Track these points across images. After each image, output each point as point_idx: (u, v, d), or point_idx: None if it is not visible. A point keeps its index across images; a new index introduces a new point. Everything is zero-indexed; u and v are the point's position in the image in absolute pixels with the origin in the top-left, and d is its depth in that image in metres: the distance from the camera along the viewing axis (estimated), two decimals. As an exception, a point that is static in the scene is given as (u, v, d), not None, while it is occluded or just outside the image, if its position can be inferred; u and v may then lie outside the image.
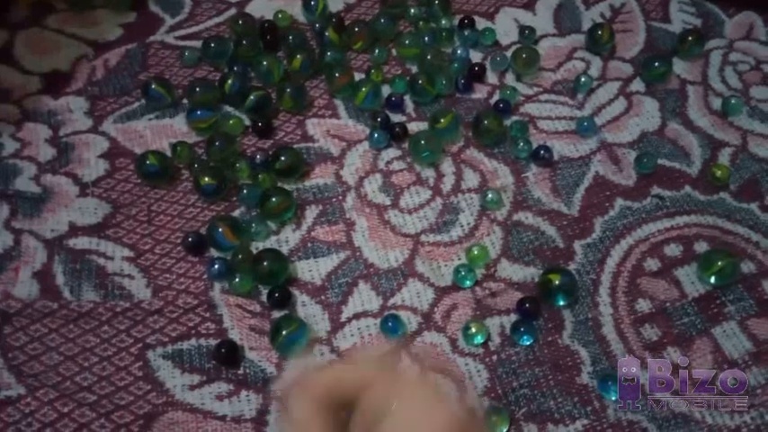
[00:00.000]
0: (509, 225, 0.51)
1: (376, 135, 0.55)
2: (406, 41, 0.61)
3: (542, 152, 0.54)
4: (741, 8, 0.66)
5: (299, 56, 0.59)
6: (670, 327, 0.46)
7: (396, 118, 0.58)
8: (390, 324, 0.45)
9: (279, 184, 0.53)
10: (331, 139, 0.56)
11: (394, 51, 0.62)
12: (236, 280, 0.47)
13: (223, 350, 0.44)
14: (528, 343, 0.45)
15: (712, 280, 0.47)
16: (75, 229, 0.51)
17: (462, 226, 0.51)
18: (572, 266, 0.49)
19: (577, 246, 0.50)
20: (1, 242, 0.50)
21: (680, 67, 0.61)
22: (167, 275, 0.48)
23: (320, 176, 0.54)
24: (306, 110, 0.58)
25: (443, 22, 0.64)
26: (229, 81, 0.57)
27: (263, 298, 0.47)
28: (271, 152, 0.54)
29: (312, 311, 0.47)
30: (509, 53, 0.61)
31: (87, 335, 0.45)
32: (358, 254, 0.50)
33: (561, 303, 0.46)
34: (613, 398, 0.43)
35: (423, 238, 0.51)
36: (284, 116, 0.58)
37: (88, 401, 0.42)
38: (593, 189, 0.53)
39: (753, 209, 0.52)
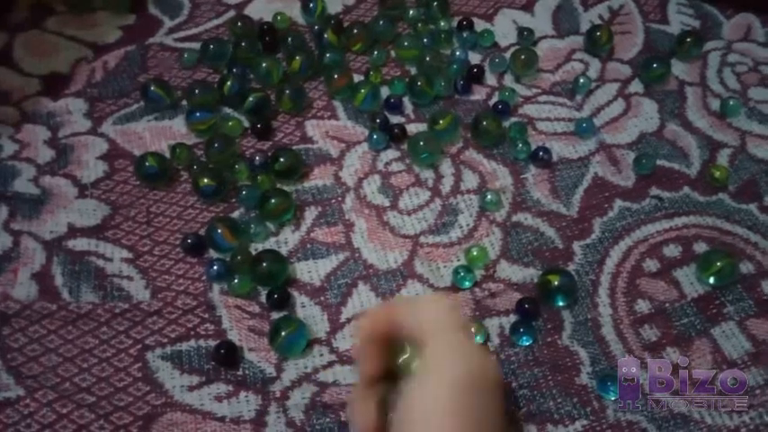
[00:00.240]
0: (508, 226, 0.51)
1: (375, 136, 0.55)
2: (405, 43, 0.61)
3: (541, 153, 0.54)
4: (739, 9, 0.66)
5: (297, 57, 0.59)
6: (669, 327, 0.46)
7: (395, 119, 0.58)
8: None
9: (278, 186, 0.53)
10: (330, 140, 0.56)
11: (393, 53, 0.63)
12: (235, 281, 0.47)
13: (222, 351, 0.44)
14: (527, 343, 0.45)
15: (711, 280, 0.47)
16: (74, 231, 0.51)
17: (461, 227, 0.51)
18: (571, 267, 0.49)
19: (576, 246, 0.50)
20: (0, 243, 0.50)
21: (678, 68, 0.61)
22: (166, 277, 0.48)
23: (319, 178, 0.54)
24: (305, 111, 0.58)
25: (442, 23, 0.64)
26: (228, 83, 0.57)
27: (263, 299, 0.47)
28: (270, 153, 0.54)
29: (311, 312, 0.47)
30: (508, 55, 0.61)
31: (86, 336, 0.45)
32: (357, 255, 0.50)
33: (560, 304, 0.47)
34: (613, 398, 0.43)
35: (422, 239, 0.51)
36: (283, 117, 0.58)
37: (87, 403, 0.42)
38: (592, 190, 0.53)
39: (752, 209, 0.52)
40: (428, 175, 0.54)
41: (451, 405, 0.29)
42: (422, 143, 0.53)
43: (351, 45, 0.62)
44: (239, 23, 0.63)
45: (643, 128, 0.57)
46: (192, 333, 0.46)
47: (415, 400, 0.30)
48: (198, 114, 0.56)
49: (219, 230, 0.48)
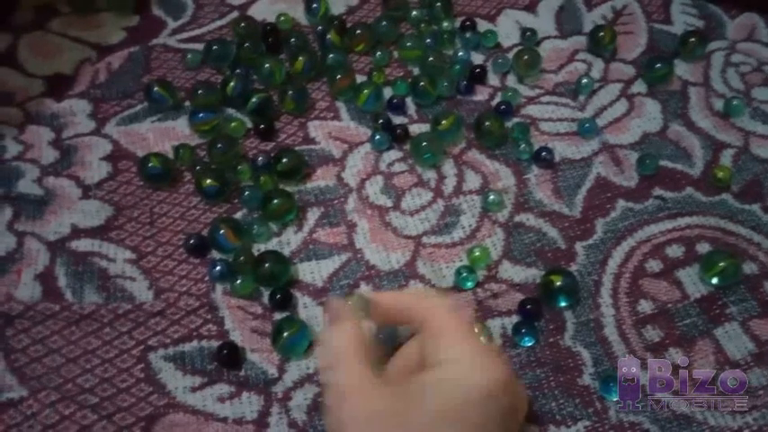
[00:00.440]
0: (510, 226, 0.51)
1: (377, 137, 0.55)
2: (408, 44, 0.61)
3: (544, 154, 0.54)
4: (743, 9, 0.66)
5: (300, 58, 0.59)
6: (672, 328, 0.46)
7: (397, 120, 0.58)
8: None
9: (280, 186, 0.53)
10: (333, 141, 0.57)
11: (396, 54, 0.63)
12: (238, 282, 0.47)
13: (225, 352, 0.44)
14: (529, 344, 0.45)
15: (714, 281, 0.47)
16: (77, 232, 0.51)
17: (464, 227, 0.51)
18: (573, 268, 0.49)
19: (579, 247, 0.50)
20: (4, 244, 0.50)
21: (682, 68, 0.61)
22: (169, 277, 0.48)
23: (322, 178, 0.54)
24: (307, 112, 0.58)
25: (445, 24, 0.64)
26: (231, 83, 0.57)
27: (265, 300, 0.47)
28: (273, 154, 0.54)
29: (314, 313, 0.47)
30: (511, 55, 0.61)
31: (89, 337, 0.45)
32: (359, 256, 0.50)
33: (563, 304, 0.46)
34: (615, 399, 0.42)
35: (424, 239, 0.51)
36: (286, 118, 0.58)
37: (90, 403, 0.43)
38: (594, 190, 0.53)
39: (755, 210, 0.52)
40: (430, 175, 0.54)
41: (465, 415, 0.30)
42: (424, 144, 0.53)
43: (354, 46, 0.62)
44: (242, 24, 0.63)
45: (646, 128, 0.57)
46: (195, 334, 0.46)
47: (430, 394, 0.31)
48: (201, 115, 0.56)
49: (222, 231, 0.48)
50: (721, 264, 0.47)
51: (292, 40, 0.62)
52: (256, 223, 0.50)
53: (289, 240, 0.51)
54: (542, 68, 0.61)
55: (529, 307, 0.46)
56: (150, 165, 0.52)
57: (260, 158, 0.54)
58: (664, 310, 0.46)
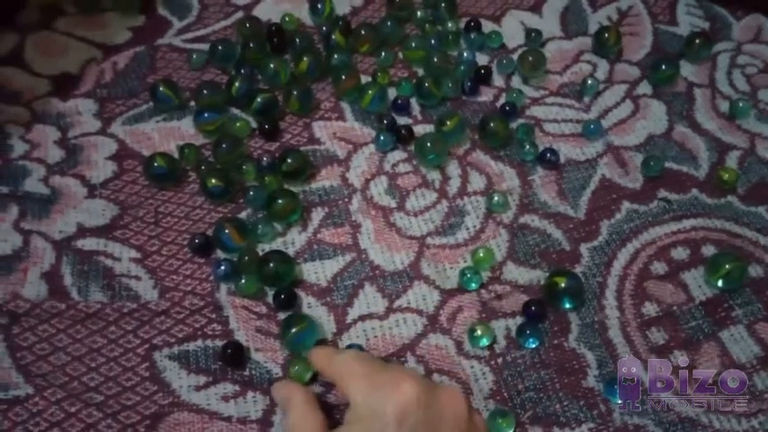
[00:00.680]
0: (515, 228, 0.51)
1: (382, 138, 0.55)
2: (413, 44, 0.61)
3: (548, 155, 0.54)
4: (749, 11, 0.66)
5: (305, 59, 0.59)
6: (677, 330, 0.45)
7: (402, 120, 0.58)
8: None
9: (285, 187, 0.53)
10: (337, 141, 0.57)
11: (400, 54, 0.63)
12: (243, 281, 0.47)
13: (229, 351, 0.44)
14: (534, 346, 0.45)
15: (720, 283, 0.47)
16: (83, 231, 0.51)
17: (468, 228, 0.51)
18: (578, 269, 0.49)
19: (584, 249, 0.50)
20: (10, 243, 0.50)
21: (687, 69, 0.61)
22: (174, 277, 0.49)
23: (326, 179, 0.54)
24: (312, 112, 0.59)
25: (450, 25, 0.64)
26: (236, 84, 0.57)
27: (270, 299, 0.47)
28: (277, 154, 0.54)
29: (318, 313, 0.47)
30: (515, 56, 0.61)
31: (94, 335, 0.46)
32: (364, 256, 0.50)
33: (567, 306, 0.46)
34: (619, 401, 0.42)
35: (428, 240, 0.51)
36: (291, 119, 0.58)
37: (95, 401, 0.43)
38: (599, 192, 0.53)
39: (761, 212, 0.51)
40: (435, 176, 0.54)
41: None
42: (429, 144, 0.53)
43: (358, 46, 0.62)
44: (247, 25, 0.63)
45: (651, 130, 0.57)
46: (200, 333, 0.46)
47: None
48: (206, 115, 0.56)
49: (227, 231, 0.48)
50: (727, 266, 0.46)
51: (297, 40, 0.62)
52: (261, 223, 0.50)
53: (293, 240, 0.51)
54: (547, 69, 0.61)
55: (533, 308, 0.46)
56: (155, 164, 0.52)
57: (265, 159, 0.54)
58: (669, 312, 0.46)
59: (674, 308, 0.47)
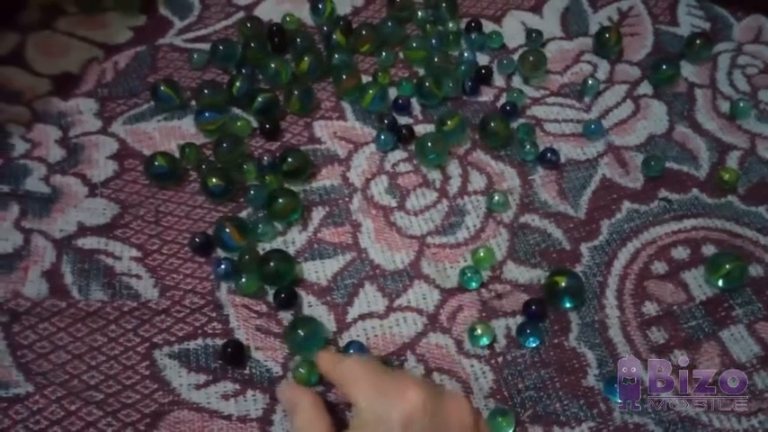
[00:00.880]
0: (515, 227, 0.51)
1: (383, 137, 0.55)
2: (414, 44, 0.61)
3: (549, 155, 0.54)
4: (750, 11, 0.66)
5: (306, 58, 0.59)
6: (677, 330, 0.45)
7: (402, 120, 0.58)
8: (353, 351, 0.45)
9: (286, 186, 0.53)
10: (338, 141, 0.57)
11: (401, 54, 0.63)
12: (243, 280, 0.47)
13: (229, 350, 0.44)
14: (534, 345, 0.45)
15: (720, 283, 0.47)
16: (83, 230, 0.51)
17: (468, 228, 0.51)
18: (579, 269, 0.49)
19: (584, 248, 0.50)
20: (11, 242, 0.50)
21: (688, 70, 0.61)
22: (174, 275, 0.49)
23: (327, 178, 0.54)
24: (313, 112, 0.59)
25: (450, 25, 0.64)
26: (237, 83, 0.57)
27: (270, 298, 0.47)
28: (278, 154, 0.54)
29: (318, 312, 0.47)
30: (516, 56, 0.61)
31: (95, 334, 0.46)
32: (364, 255, 0.50)
33: (568, 306, 0.46)
34: (619, 401, 0.42)
35: (429, 239, 0.51)
36: (291, 118, 0.58)
37: (95, 400, 0.43)
38: (599, 192, 0.53)
39: (761, 212, 0.51)
40: (435, 175, 0.54)
41: None
42: (429, 144, 0.54)
43: (359, 46, 0.63)
44: (249, 24, 0.63)
45: (652, 130, 0.57)
46: (200, 332, 0.46)
47: None
48: (207, 115, 0.56)
49: (227, 230, 0.48)
50: (727, 266, 0.46)
51: (298, 40, 0.62)
52: (261, 222, 0.50)
53: (294, 239, 0.51)
54: (548, 69, 0.61)
55: (533, 308, 0.46)
56: (156, 164, 0.52)
57: (265, 158, 0.54)
58: (669, 312, 0.46)
59: (675, 307, 0.47)
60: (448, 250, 0.50)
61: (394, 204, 0.53)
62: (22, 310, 0.46)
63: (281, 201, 0.50)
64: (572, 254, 0.50)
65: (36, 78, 0.61)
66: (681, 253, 0.49)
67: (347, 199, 0.53)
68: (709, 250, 0.49)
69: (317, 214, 0.52)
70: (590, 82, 0.59)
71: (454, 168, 0.55)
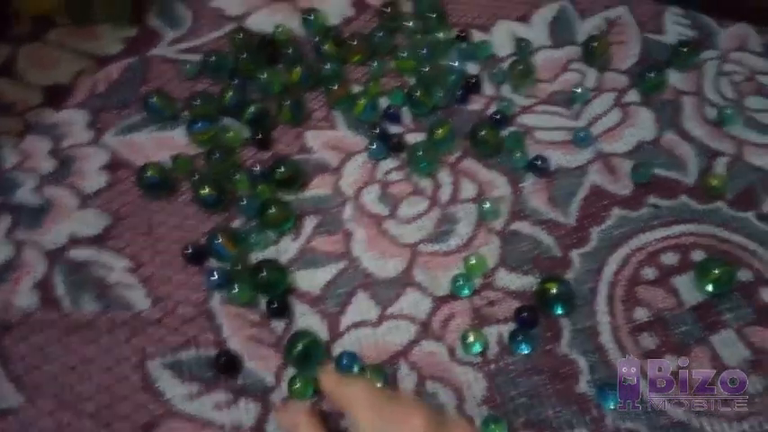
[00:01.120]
0: (506, 234, 0.51)
1: (374, 146, 0.56)
2: (404, 54, 0.62)
3: (539, 162, 0.55)
4: (735, 20, 0.67)
5: (297, 69, 0.59)
6: (668, 335, 0.46)
7: (394, 129, 0.58)
8: (345, 361, 0.45)
9: (278, 195, 0.53)
10: (329, 150, 0.57)
11: (392, 64, 0.63)
12: (235, 290, 0.47)
13: (222, 360, 0.44)
14: (526, 352, 0.45)
15: (710, 288, 0.47)
16: (75, 241, 0.51)
17: (460, 236, 0.51)
18: (569, 275, 0.49)
19: (574, 255, 0.50)
20: (2, 253, 0.50)
21: (675, 78, 0.62)
22: (167, 286, 0.49)
23: (319, 187, 0.54)
24: (304, 122, 0.59)
25: (440, 34, 0.65)
26: (229, 94, 0.58)
27: (263, 308, 0.47)
28: (270, 163, 0.54)
29: (311, 321, 0.47)
30: (505, 65, 0.62)
31: (87, 345, 0.45)
32: (356, 264, 0.50)
33: (559, 312, 0.47)
34: (612, 406, 0.43)
35: (421, 247, 0.51)
36: (283, 128, 0.59)
37: (88, 412, 0.43)
38: (589, 199, 0.53)
39: (749, 217, 0.52)
40: (427, 184, 0.55)
41: None
42: (420, 153, 0.54)
43: (350, 56, 0.63)
44: (240, 35, 0.64)
45: (640, 137, 0.57)
46: (193, 342, 0.46)
47: None
48: (199, 125, 0.56)
49: (220, 240, 0.48)
50: (716, 271, 0.47)
51: (289, 50, 0.62)
52: (254, 232, 0.50)
53: (286, 249, 0.51)
54: (537, 78, 0.62)
55: (525, 315, 0.46)
56: (148, 174, 0.52)
57: (257, 168, 0.54)
58: (659, 317, 0.47)
59: (665, 313, 0.47)
60: (440, 258, 0.50)
61: (386, 213, 0.53)
62: (14, 322, 0.46)
63: (273, 210, 0.50)
64: (563, 261, 0.50)
65: (27, 90, 0.61)
66: (670, 259, 0.50)
67: (339, 208, 0.53)
68: (698, 256, 0.50)
69: (310, 223, 0.52)
70: (578, 90, 0.60)
71: (445, 176, 0.55)
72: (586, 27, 0.66)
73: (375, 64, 0.62)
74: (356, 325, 0.47)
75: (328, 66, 0.61)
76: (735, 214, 0.52)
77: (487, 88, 0.61)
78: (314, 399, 0.43)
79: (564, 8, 0.68)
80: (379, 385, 0.43)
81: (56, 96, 0.61)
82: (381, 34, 0.63)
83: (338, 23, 0.67)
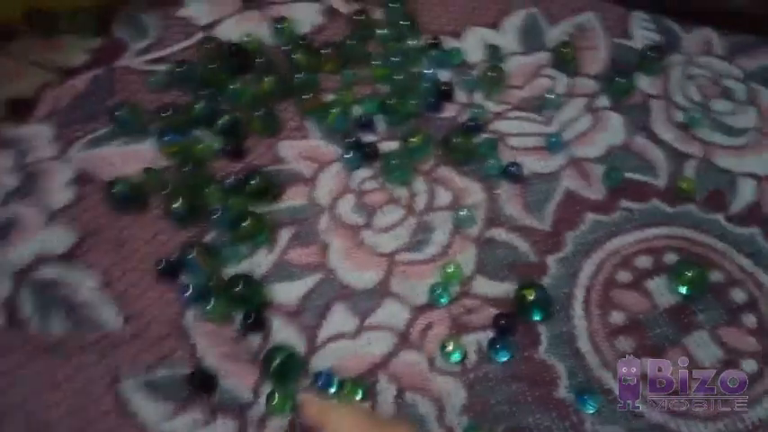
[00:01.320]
0: (482, 242, 0.51)
1: (348, 156, 0.55)
2: (376, 62, 0.62)
3: (512, 169, 0.55)
4: (699, 25, 0.68)
5: (268, 78, 0.59)
6: (643, 338, 0.46)
7: (367, 138, 0.58)
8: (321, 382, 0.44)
9: (251, 207, 0.52)
10: (303, 160, 0.56)
11: (364, 72, 0.63)
12: (210, 305, 0.46)
13: (198, 378, 0.43)
14: (505, 359, 0.45)
15: (683, 290, 0.48)
16: (42, 259, 0.49)
17: (436, 244, 0.51)
18: (546, 281, 0.49)
19: (550, 260, 0.50)
20: (-35, 274, 0.48)
21: (643, 82, 0.63)
22: (139, 303, 0.47)
23: (293, 198, 0.54)
24: (277, 132, 0.58)
25: (412, 42, 0.65)
26: (198, 105, 0.57)
27: (237, 323, 0.46)
28: (242, 175, 0.53)
29: (288, 334, 0.46)
30: (477, 72, 0.62)
31: (56, 367, 0.44)
32: (333, 275, 0.49)
33: (537, 318, 0.47)
34: (590, 411, 0.43)
35: (397, 257, 0.51)
36: (255, 138, 0.58)
37: (58, 436, 0.41)
38: (563, 204, 0.54)
39: (719, 219, 0.53)
40: (402, 192, 0.54)
41: None
42: (394, 161, 0.54)
43: (322, 65, 0.62)
44: (209, 45, 0.63)
45: (611, 141, 0.58)
46: (167, 360, 0.45)
47: None
48: (168, 137, 0.55)
49: (192, 254, 0.48)
50: (689, 273, 0.48)
51: (259, 60, 0.62)
52: (227, 245, 0.50)
53: (260, 262, 0.50)
54: (508, 84, 0.62)
55: (503, 321, 0.46)
56: (117, 189, 0.51)
57: (230, 179, 0.53)
58: (635, 320, 0.47)
59: (640, 316, 0.47)
60: (417, 267, 0.50)
61: (362, 223, 0.52)
62: (-21, 346, 0.45)
63: (246, 223, 0.49)
64: (539, 266, 0.50)
65: (-12, 104, 0.59)
66: (644, 262, 0.50)
67: (314, 219, 0.52)
68: (671, 258, 0.50)
69: (285, 235, 0.52)
70: (550, 96, 0.60)
71: (420, 185, 0.55)
72: (556, 33, 0.67)
73: (347, 72, 0.62)
74: (334, 338, 0.46)
75: (299, 75, 0.60)
76: (705, 216, 0.53)
77: (460, 95, 0.62)
78: (292, 414, 0.43)
79: (533, 15, 0.68)
80: (360, 403, 0.42)
81: (19, 109, 0.59)
82: (353, 43, 0.63)
83: (309, 32, 0.67)
